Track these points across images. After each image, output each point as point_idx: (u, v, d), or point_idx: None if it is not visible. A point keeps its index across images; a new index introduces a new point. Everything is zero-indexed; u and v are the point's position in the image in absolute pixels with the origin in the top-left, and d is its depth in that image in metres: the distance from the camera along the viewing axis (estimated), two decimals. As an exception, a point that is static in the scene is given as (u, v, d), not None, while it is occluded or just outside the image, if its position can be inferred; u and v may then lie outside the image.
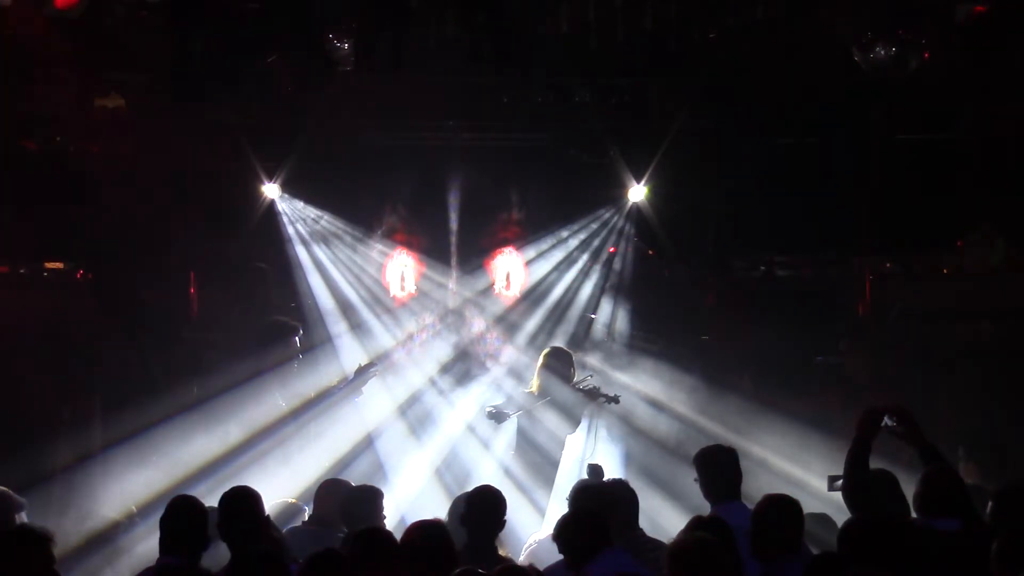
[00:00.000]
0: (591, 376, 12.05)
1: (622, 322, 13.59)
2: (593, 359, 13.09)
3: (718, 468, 8.06)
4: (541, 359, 11.96)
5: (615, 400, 11.96)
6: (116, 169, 12.56)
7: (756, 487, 8.73)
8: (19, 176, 12.53)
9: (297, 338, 11.68)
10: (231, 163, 12.80)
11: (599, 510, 7.36)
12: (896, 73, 11.47)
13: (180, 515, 7.12)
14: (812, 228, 13.30)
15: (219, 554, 7.16)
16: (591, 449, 12.47)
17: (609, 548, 7.07)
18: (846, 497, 7.60)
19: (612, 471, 11.99)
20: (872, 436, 7.47)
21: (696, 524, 7.04)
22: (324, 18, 10.92)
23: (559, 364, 11.85)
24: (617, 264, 13.65)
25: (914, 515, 7.38)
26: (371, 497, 8.41)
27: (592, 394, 11.88)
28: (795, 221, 13.19)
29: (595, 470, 9.66)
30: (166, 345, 12.91)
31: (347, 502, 8.43)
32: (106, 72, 11.76)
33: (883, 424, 7.51)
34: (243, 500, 7.30)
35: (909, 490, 7.62)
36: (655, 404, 12.76)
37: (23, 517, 8.46)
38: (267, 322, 12.00)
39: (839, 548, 6.67)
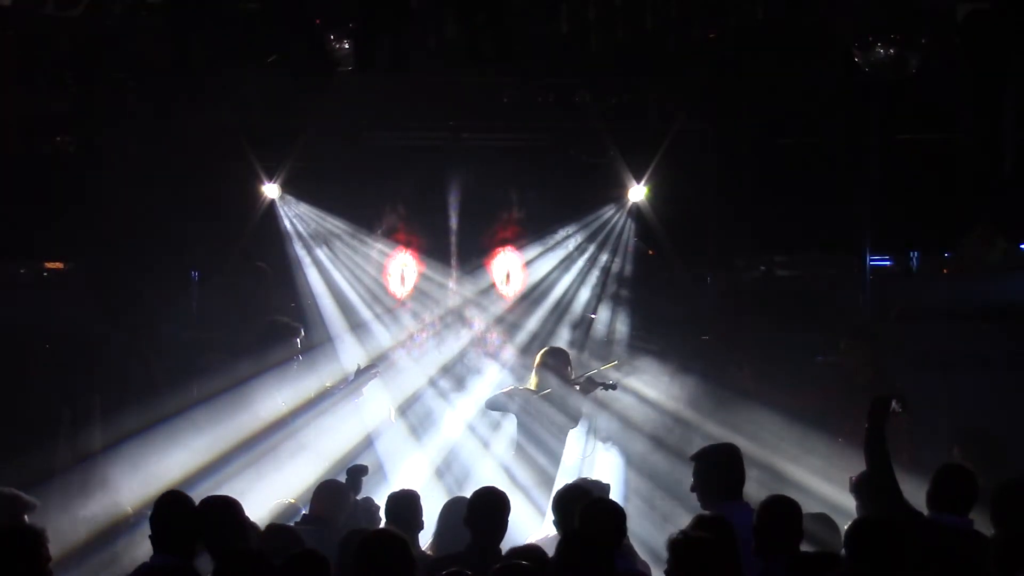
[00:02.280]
0: (586, 374, 12.05)
1: (622, 322, 13.59)
2: (593, 359, 13.10)
3: (717, 469, 8.06)
4: (538, 358, 11.98)
5: (612, 387, 11.95)
6: (116, 169, 12.56)
7: (755, 486, 8.74)
8: (20, 176, 12.54)
9: (298, 340, 11.69)
10: (231, 163, 12.80)
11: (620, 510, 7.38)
12: (896, 73, 11.46)
13: (168, 512, 7.05)
14: (812, 228, 13.29)
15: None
16: (591, 449, 12.48)
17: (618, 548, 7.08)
18: (871, 486, 7.60)
19: (612, 472, 12.05)
20: (884, 423, 7.53)
21: (698, 522, 7.06)
22: (324, 18, 10.92)
23: (556, 363, 11.88)
24: (617, 264, 13.66)
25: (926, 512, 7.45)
26: (413, 500, 8.47)
27: (589, 384, 11.89)
28: (795, 221, 13.19)
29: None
30: (166, 345, 12.91)
31: (393, 505, 8.46)
32: (106, 72, 11.75)
33: (891, 410, 7.58)
34: (225, 508, 7.18)
35: (908, 490, 7.64)
36: (655, 404, 12.75)
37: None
38: (268, 322, 12.01)
39: (847, 547, 6.68)
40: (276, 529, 7.87)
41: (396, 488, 9.14)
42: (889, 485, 7.38)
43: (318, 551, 6.47)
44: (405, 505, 8.46)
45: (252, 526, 7.74)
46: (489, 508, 7.73)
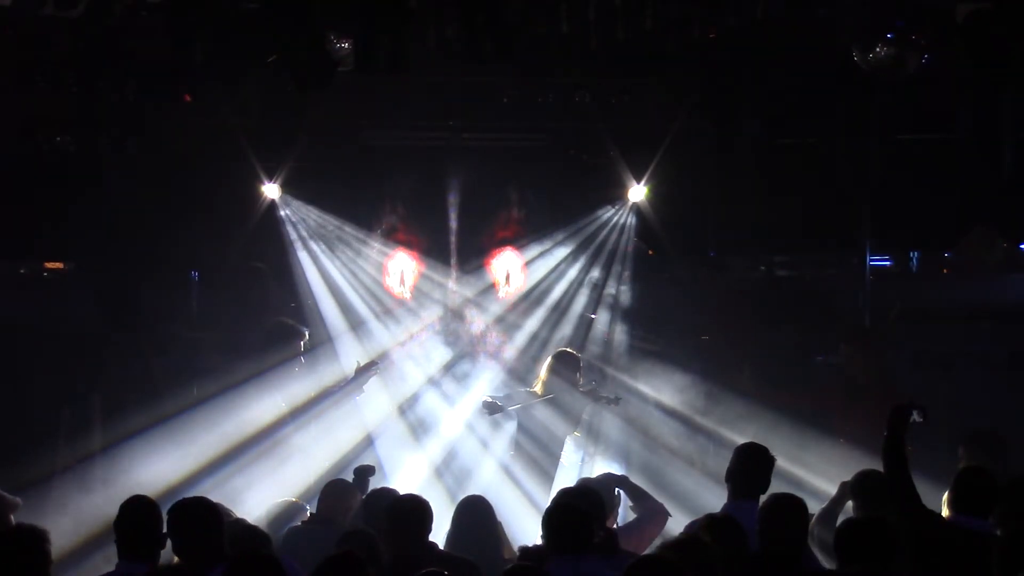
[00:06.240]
0: (594, 383, 12.09)
1: (621, 323, 13.60)
2: (593, 359, 13.10)
3: (755, 465, 8.06)
4: (548, 362, 11.97)
5: (615, 402, 11.97)
6: (116, 169, 12.57)
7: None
8: (20, 176, 12.54)
9: (302, 342, 11.69)
10: (231, 163, 12.81)
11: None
12: (896, 73, 11.46)
13: (133, 517, 6.93)
14: (812, 228, 13.30)
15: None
16: (591, 449, 12.48)
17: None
18: (890, 492, 7.61)
19: (613, 471, 12.04)
20: (904, 431, 7.52)
21: (708, 522, 7.07)
22: (324, 18, 10.90)
23: (565, 369, 11.87)
24: (617, 264, 13.66)
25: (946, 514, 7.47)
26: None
27: (592, 395, 11.92)
28: (795, 221, 13.20)
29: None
30: (166, 345, 12.91)
31: (370, 505, 8.43)
32: (106, 72, 11.75)
33: (911, 419, 7.58)
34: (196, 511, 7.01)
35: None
36: (655, 404, 12.76)
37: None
38: (272, 323, 12.01)
39: (836, 548, 6.70)
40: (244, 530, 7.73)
41: (396, 488, 9.16)
42: (908, 491, 7.37)
43: (354, 552, 6.46)
44: (381, 506, 8.39)
45: (248, 527, 7.72)
46: (405, 516, 7.68)
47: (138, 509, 6.97)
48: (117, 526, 6.92)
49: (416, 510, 7.80)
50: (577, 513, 7.24)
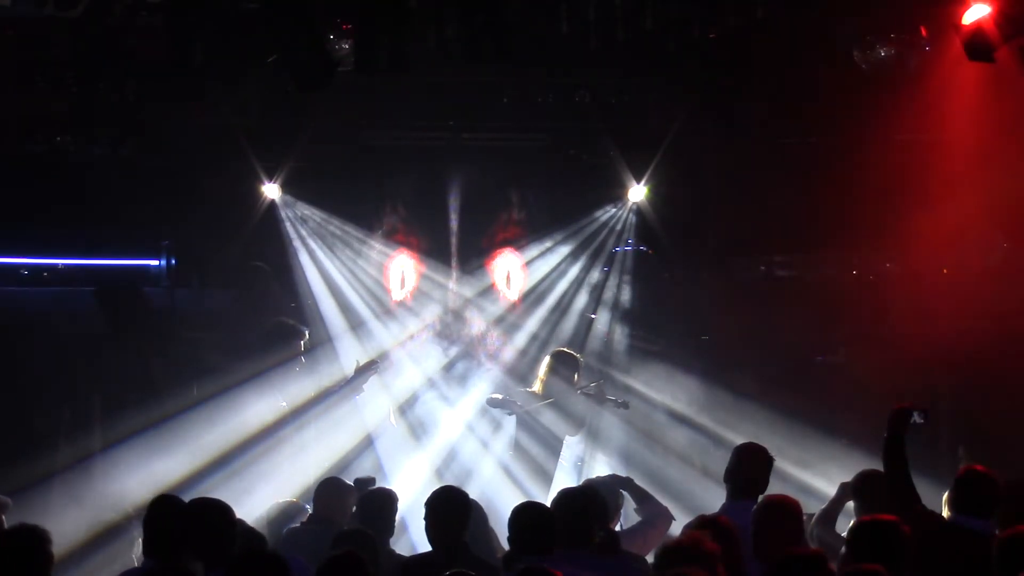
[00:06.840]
0: (601, 382, 12.08)
1: (621, 323, 13.60)
2: (593, 360, 13.11)
3: (754, 465, 8.06)
4: (546, 362, 11.97)
5: (624, 406, 11.96)
6: (116, 169, 12.57)
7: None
8: (21, 176, 12.55)
9: (302, 342, 11.70)
10: (231, 163, 12.81)
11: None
12: (896, 73, 11.47)
13: (161, 516, 7.02)
14: (812, 228, 13.30)
15: None
16: (590, 449, 12.48)
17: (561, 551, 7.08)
18: (889, 493, 7.61)
19: (612, 471, 12.05)
20: (904, 431, 7.52)
21: (699, 523, 7.06)
22: (324, 18, 10.92)
23: (564, 369, 11.87)
24: (617, 264, 13.67)
25: (947, 514, 7.46)
26: (386, 500, 8.40)
27: (599, 398, 11.90)
28: (795, 221, 13.20)
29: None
30: (166, 345, 12.91)
31: (366, 503, 8.42)
32: (106, 72, 11.76)
33: (912, 421, 7.57)
34: (215, 511, 7.07)
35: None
36: (655, 404, 12.76)
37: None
38: (273, 323, 12.02)
39: (847, 547, 6.70)
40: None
41: (396, 488, 9.16)
42: (908, 491, 7.38)
43: (356, 552, 6.48)
44: (378, 504, 8.38)
45: (247, 529, 7.72)
46: (449, 507, 7.67)
47: (164, 507, 7.07)
48: (144, 524, 7.03)
49: (452, 503, 7.72)
50: (540, 514, 7.19)
